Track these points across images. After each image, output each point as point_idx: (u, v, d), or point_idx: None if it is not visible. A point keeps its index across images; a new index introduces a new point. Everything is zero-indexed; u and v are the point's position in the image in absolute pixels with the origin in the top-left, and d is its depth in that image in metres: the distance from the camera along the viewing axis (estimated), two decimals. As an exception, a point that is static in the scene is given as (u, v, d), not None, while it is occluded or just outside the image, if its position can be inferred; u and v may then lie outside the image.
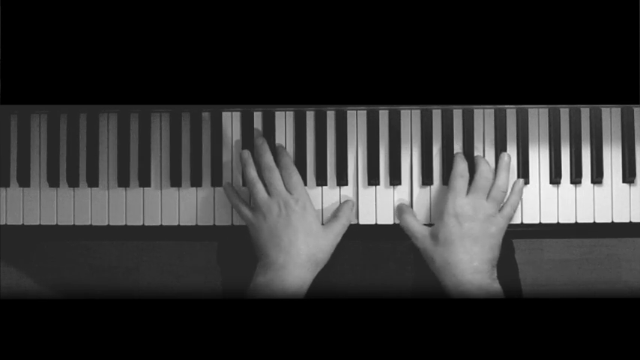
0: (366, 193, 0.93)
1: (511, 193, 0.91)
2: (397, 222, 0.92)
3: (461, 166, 0.90)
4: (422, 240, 0.89)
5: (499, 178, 0.90)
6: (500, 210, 0.89)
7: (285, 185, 0.89)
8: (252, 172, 0.90)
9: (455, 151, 0.93)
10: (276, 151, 0.92)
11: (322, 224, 0.90)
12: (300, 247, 0.86)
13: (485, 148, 0.93)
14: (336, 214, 0.91)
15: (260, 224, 0.88)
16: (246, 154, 0.91)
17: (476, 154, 0.92)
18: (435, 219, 0.91)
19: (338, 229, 0.90)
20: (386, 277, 1.00)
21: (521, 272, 1.04)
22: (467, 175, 0.90)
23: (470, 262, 0.86)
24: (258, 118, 0.94)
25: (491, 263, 0.87)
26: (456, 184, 0.89)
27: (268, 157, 0.90)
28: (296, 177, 0.90)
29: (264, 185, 0.90)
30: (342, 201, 0.93)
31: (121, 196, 0.94)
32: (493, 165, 0.92)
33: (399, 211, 0.92)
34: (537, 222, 0.93)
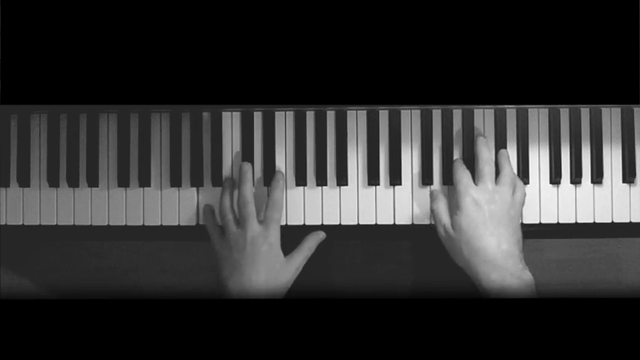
0: (366, 193, 0.93)
1: (513, 175, 0.90)
2: (396, 222, 0.93)
3: (462, 167, 0.90)
4: (447, 230, 0.88)
5: (504, 169, 0.89)
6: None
7: (260, 216, 0.89)
8: (226, 202, 0.90)
9: (454, 153, 0.93)
10: (275, 176, 0.92)
11: (285, 257, 0.89)
12: (260, 287, 0.86)
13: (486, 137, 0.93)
14: (300, 245, 0.91)
15: (226, 255, 0.88)
16: (228, 183, 0.91)
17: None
18: (444, 214, 0.89)
19: (299, 261, 0.90)
20: (386, 277, 1.00)
21: (521, 272, 1.03)
22: (469, 172, 0.89)
23: (498, 246, 0.84)
24: (258, 118, 0.94)
25: (518, 246, 0.86)
26: (461, 177, 0.88)
27: (246, 189, 0.89)
28: (277, 214, 0.89)
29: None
30: (342, 200, 0.93)
31: (121, 196, 0.94)
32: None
33: (432, 196, 0.91)
34: (537, 222, 0.93)
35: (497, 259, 0.84)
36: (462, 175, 0.88)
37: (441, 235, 0.89)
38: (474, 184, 0.88)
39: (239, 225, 0.89)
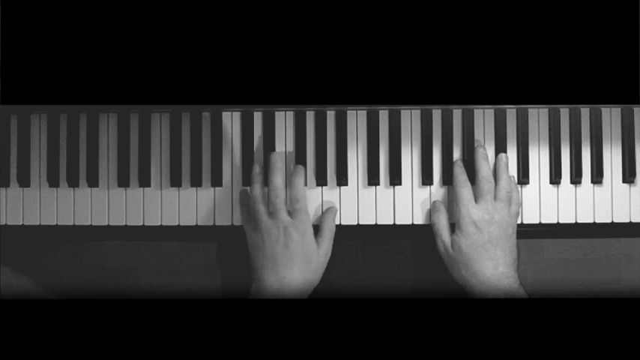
0: (366, 193, 0.93)
1: (510, 188, 0.91)
2: (396, 222, 0.93)
3: (462, 177, 0.90)
4: (446, 248, 0.90)
5: (501, 180, 0.90)
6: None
7: (289, 207, 0.90)
8: (257, 191, 0.90)
9: (454, 153, 0.93)
10: (295, 168, 0.92)
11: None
12: (294, 276, 0.87)
13: (486, 148, 0.93)
14: (320, 229, 0.91)
15: (258, 245, 0.89)
16: (257, 169, 0.91)
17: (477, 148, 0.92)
18: (445, 230, 0.91)
19: (326, 245, 0.90)
20: (386, 277, 0.99)
21: (522, 272, 1.03)
22: (469, 184, 0.90)
23: (495, 268, 0.87)
24: (258, 118, 0.94)
25: (514, 266, 0.88)
26: (462, 193, 0.89)
27: (278, 179, 0.90)
28: (303, 203, 0.89)
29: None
30: (342, 200, 0.93)
31: (121, 196, 0.94)
32: (492, 165, 0.92)
33: (434, 208, 0.92)
34: (537, 222, 0.93)
35: (493, 281, 0.87)
36: (463, 191, 0.90)
37: (440, 250, 0.91)
38: (474, 202, 0.89)
39: (271, 215, 0.89)
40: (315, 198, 0.93)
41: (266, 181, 0.91)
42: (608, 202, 0.93)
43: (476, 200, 0.89)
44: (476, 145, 0.92)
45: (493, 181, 0.90)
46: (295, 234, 0.88)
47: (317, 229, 0.91)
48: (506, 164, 0.92)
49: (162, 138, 0.94)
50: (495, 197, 0.89)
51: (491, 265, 0.87)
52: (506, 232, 0.88)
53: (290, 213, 0.89)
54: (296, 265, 0.87)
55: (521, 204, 0.93)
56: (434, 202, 0.93)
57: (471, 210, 0.88)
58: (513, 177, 0.93)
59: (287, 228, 0.88)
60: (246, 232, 0.91)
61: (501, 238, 0.88)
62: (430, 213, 0.92)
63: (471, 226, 0.88)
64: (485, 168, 0.90)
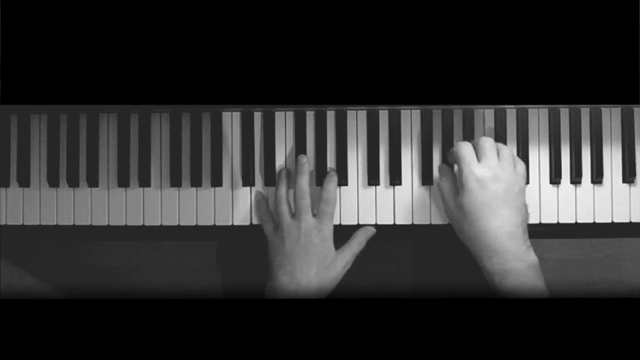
0: (366, 193, 0.93)
1: (510, 150, 0.89)
2: (396, 222, 0.93)
3: (464, 148, 0.87)
4: (452, 209, 0.88)
5: (502, 148, 0.88)
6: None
7: (314, 210, 0.90)
8: (282, 192, 0.91)
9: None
10: (328, 172, 0.92)
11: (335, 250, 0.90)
12: (310, 279, 0.87)
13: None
14: (350, 241, 0.91)
15: (278, 245, 0.89)
16: (284, 171, 0.92)
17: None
18: (450, 193, 0.88)
19: (348, 257, 0.90)
20: (386, 277, 0.99)
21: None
22: (471, 144, 0.87)
23: (502, 228, 0.84)
24: (258, 118, 0.94)
25: (522, 227, 0.85)
26: (464, 152, 0.86)
27: (303, 181, 0.90)
28: (332, 208, 0.90)
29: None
30: (342, 200, 0.93)
31: (121, 196, 0.94)
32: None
33: (440, 171, 0.91)
34: (537, 222, 0.93)
35: (500, 242, 0.84)
36: (465, 151, 0.86)
37: (447, 215, 0.89)
38: (477, 161, 0.86)
39: (294, 216, 0.89)
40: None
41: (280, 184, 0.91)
42: (608, 202, 0.93)
43: (479, 160, 0.86)
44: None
45: (493, 141, 0.87)
46: (316, 238, 0.88)
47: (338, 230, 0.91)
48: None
49: (162, 138, 0.94)
50: (499, 157, 0.86)
51: (497, 224, 0.84)
52: (512, 190, 0.85)
53: (315, 214, 0.90)
54: (313, 269, 0.88)
55: (522, 204, 0.92)
56: (440, 165, 0.91)
57: (474, 167, 0.85)
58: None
59: (309, 231, 0.88)
60: (266, 233, 0.91)
61: (508, 197, 0.84)
62: (439, 177, 0.91)
63: (474, 184, 0.84)
64: (482, 136, 0.88)
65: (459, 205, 0.86)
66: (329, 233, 0.89)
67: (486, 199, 0.84)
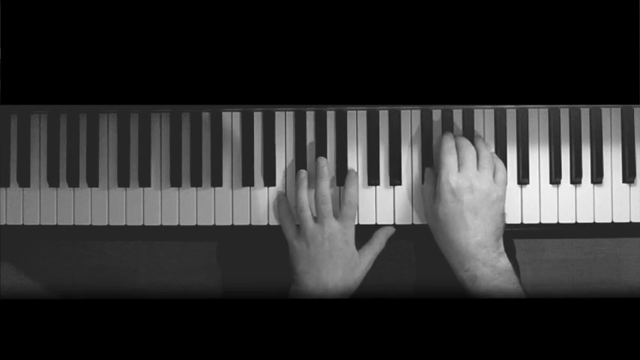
0: (366, 193, 0.93)
1: (492, 157, 0.90)
2: (396, 222, 0.93)
3: (449, 144, 0.89)
4: (428, 216, 0.89)
5: (481, 151, 0.89)
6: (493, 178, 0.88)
7: (336, 212, 0.90)
8: (304, 197, 0.90)
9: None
10: (348, 174, 0.92)
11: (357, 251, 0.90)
12: (337, 283, 0.88)
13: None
14: (370, 241, 0.91)
15: (302, 250, 0.89)
16: (303, 174, 0.91)
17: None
18: (430, 199, 0.90)
19: (370, 257, 0.91)
20: (386, 277, 0.99)
21: (522, 272, 1.04)
22: (455, 152, 0.88)
23: (473, 237, 0.85)
24: (258, 118, 0.94)
25: (495, 236, 0.86)
26: (446, 160, 0.87)
27: (324, 186, 0.90)
28: (354, 210, 0.90)
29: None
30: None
31: (121, 196, 0.94)
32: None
33: (426, 176, 0.92)
34: (537, 222, 0.93)
35: (469, 250, 0.85)
36: (448, 158, 0.87)
37: (426, 218, 0.91)
38: (456, 170, 0.87)
39: (316, 220, 0.89)
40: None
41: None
42: (608, 202, 0.93)
43: (459, 169, 0.87)
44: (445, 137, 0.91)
45: (474, 151, 0.88)
46: (340, 242, 0.88)
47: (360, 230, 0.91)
48: (484, 141, 0.91)
49: (162, 138, 0.94)
50: (478, 166, 0.88)
51: (468, 234, 0.85)
52: (487, 200, 0.86)
53: (337, 216, 0.90)
54: (339, 273, 0.88)
55: (521, 204, 0.93)
56: (427, 169, 0.92)
57: (451, 178, 0.86)
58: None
59: (333, 235, 0.88)
60: (287, 237, 0.91)
61: (482, 207, 0.85)
62: (425, 180, 0.92)
63: (448, 194, 0.86)
64: (465, 140, 0.89)
65: (434, 214, 0.87)
66: (351, 236, 0.89)
67: (458, 210, 0.85)
